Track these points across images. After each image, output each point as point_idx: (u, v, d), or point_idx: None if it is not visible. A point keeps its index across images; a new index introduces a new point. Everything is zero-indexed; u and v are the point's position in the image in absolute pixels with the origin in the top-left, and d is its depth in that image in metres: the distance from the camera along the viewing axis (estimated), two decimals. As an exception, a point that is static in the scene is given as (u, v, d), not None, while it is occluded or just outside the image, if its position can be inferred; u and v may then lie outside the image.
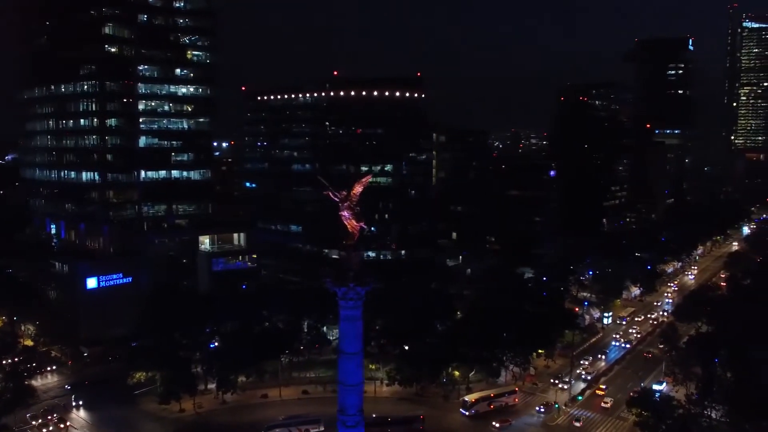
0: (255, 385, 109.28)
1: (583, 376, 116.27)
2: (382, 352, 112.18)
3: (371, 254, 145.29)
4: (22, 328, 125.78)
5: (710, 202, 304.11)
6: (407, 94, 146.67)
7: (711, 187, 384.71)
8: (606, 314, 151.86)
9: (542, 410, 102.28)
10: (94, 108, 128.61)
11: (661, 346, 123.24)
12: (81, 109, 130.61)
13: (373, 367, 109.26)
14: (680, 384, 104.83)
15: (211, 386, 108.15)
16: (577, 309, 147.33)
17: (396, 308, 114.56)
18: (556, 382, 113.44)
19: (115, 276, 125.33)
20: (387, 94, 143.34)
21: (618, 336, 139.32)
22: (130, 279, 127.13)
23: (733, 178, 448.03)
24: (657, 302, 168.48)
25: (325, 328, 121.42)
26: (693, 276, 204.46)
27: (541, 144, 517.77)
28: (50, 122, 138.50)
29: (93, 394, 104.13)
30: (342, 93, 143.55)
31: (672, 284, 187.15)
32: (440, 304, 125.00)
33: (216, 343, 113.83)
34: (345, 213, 57.83)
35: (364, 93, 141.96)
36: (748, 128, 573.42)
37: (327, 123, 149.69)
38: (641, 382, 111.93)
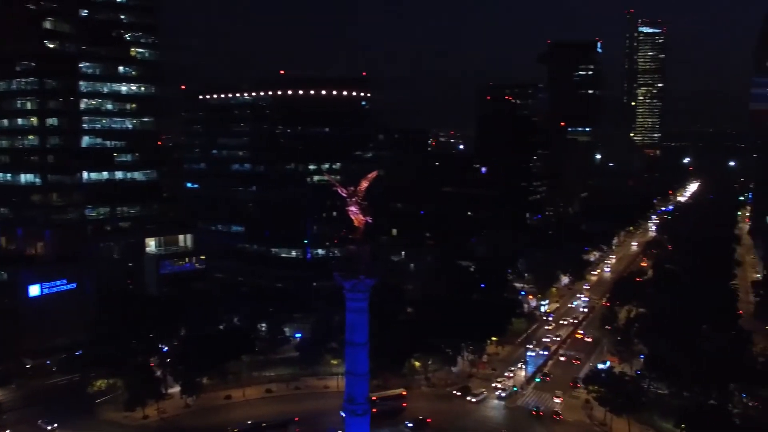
0: (217, 386, 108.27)
1: (498, 393, 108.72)
2: (342, 346, 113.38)
3: (320, 252, 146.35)
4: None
5: (618, 195, 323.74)
6: (354, 94, 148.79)
7: (616, 181, 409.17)
8: (543, 302, 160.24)
9: (411, 425, 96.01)
10: (32, 106, 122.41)
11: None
12: (18, 108, 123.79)
13: (335, 362, 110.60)
14: (625, 362, 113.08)
15: (172, 390, 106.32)
16: (532, 297, 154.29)
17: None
18: (459, 393, 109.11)
19: (58, 282, 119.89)
20: (334, 93, 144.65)
21: (532, 346, 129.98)
22: (75, 285, 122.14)
23: (635, 173, 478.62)
24: (571, 304, 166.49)
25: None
26: (609, 268, 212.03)
27: (449, 141, 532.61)
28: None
29: (49, 406, 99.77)
30: (289, 92, 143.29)
31: (593, 273, 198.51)
32: (392, 298, 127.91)
33: (167, 348, 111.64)
34: (353, 208, 59.19)
35: (312, 92, 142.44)
36: (646, 126, 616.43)
37: (273, 122, 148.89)
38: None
